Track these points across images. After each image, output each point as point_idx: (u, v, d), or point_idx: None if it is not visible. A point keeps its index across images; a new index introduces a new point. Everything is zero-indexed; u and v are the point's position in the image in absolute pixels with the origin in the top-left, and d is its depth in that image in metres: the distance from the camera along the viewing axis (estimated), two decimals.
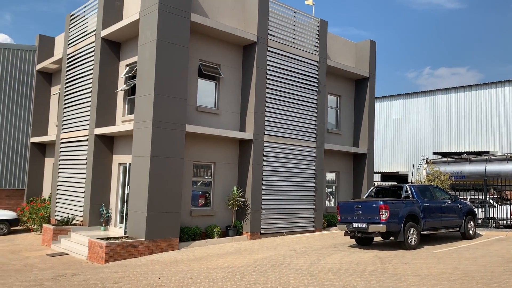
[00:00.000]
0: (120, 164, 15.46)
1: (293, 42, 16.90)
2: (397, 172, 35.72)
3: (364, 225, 12.51)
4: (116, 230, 14.87)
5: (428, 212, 13.33)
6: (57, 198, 17.67)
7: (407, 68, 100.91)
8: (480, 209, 19.18)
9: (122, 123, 15.35)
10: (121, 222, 14.89)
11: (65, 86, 18.13)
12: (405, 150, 36.29)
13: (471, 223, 14.86)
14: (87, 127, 15.92)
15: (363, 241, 13.70)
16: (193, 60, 14.50)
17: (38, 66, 21.13)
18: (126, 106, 15.72)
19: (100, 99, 15.52)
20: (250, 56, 15.63)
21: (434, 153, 31.72)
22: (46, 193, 20.49)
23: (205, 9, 14.63)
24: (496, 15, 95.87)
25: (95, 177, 15.26)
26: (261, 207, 15.34)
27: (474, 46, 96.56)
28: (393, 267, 10.15)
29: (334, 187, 19.78)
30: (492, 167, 24.23)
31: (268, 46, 15.83)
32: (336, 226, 17.67)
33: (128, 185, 14.17)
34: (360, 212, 12.67)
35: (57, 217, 17.17)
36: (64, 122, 17.85)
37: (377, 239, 14.84)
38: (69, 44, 18.28)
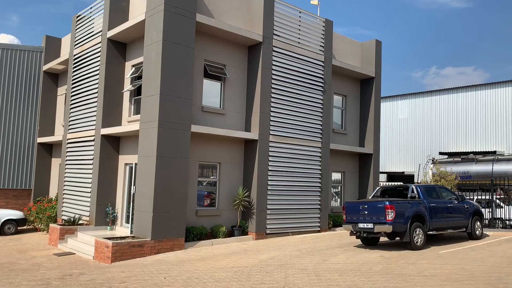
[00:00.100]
0: (126, 164, 15.53)
1: (299, 42, 16.89)
2: (403, 172, 35.57)
3: (370, 225, 12.48)
4: (122, 230, 14.93)
5: (434, 212, 13.27)
6: (63, 198, 17.78)
7: (413, 68, 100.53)
8: (487, 209, 19.06)
9: (128, 123, 15.41)
10: (127, 222, 14.95)
11: (71, 86, 18.24)
12: (411, 150, 36.14)
13: (478, 223, 14.78)
14: (94, 127, 16.01)
15: (369, 241, 13.66)
16: (198, 61, 14.53)
17: (45, 67, 21.27)
18: (132, 106, 15.79)
19: (106, 99, 15.60)
20: (255, 56, 15.64)
21: (440, 153, 31.56)
22: (52, 193, 20.62)
23: (210, 10, 14.66)
24: (503, 14, 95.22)
25: (101, 177, 15.34)
26: (266, 207, 15.34)
27: (480, 45, 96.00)
28: (399, 267, 10.12)
29: (339, 187, 19.74)
30: (499, 167, 24.07)
31: (273, 46, 15.84)
32: (341, 226, 17.64)
33: (134, 185, 14.23)
34: (366, 212, 12.64)
35: (63, 217, 17.28)
36: (71, 123, 17.95)
37: (383, 239, 14.80)
38: (75, 45, 18.38)
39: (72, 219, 15.48)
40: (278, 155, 15.92)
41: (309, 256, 11.73)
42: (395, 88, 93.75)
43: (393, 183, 29.76)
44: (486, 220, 18.44)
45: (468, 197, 20.08)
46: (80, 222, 15.73)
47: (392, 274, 9.41)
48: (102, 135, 15.43)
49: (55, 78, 21.76)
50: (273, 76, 15.82)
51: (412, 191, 13.50)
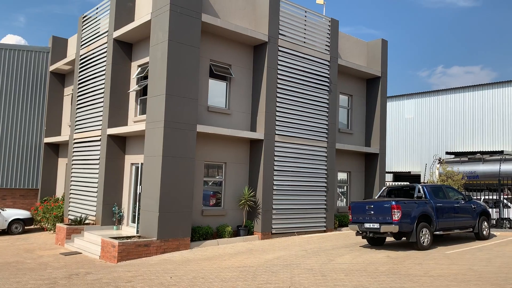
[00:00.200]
0: (132, 164, 15.58)
1: (304, 42, 16.86)
2: (409, 172, 35.41)
3: (376, 225, 12.44)
4: (128, 229, 14.99)
5: (441, 212, 13.20)
6: (70, 197, 17.87)
7: (419, 67, 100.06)
8: (494, 209, 18.93)
9: (134, 123, 15.46)
10: (133, 221, 15.01)
11: (78, 86, 18.33)
12: (417, 150, 35.97)
13: (485, 223, 14.68)
14: (100, 127, 16.07)
15: (375, 241, 13.62)
16: (204, 61, 14.55)
17: (51, 67, 21.40)
18: (138, 106, 15.84)
19: (112, 99, 15.66)
20: (261, 56, 15.63)
21: (447, 153, 31.38)
22: (59, 193, 20.74)
23: (216, 10, 14.67)
24: (510, 13, 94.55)
25: (107, 177, 15.40)
26: (272, 207, 15.33)
27: (487, 44, 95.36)
28: (405, 267, 10.07)
29: (345, 187, 19.69)
30: (507, 167, 23.88)
31: (279, 46, 15.82)
32: (347, 226, 17.59)
33: (140, 184, 14.27)
34: (372, 212, 12.60)
35: (70, 217, 17.37)
36: (77, 123, 18.04)
37: (389, 239, 14.74)
38: (81, 45, 18.47)
39: (78, 219, 15.55)
40: (283, 155, 15.90)
41: (315, 256, 11.71)
42: (401, 87, 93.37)
43: (399, 183, 29.64)
44: (494, 220, 18.31)
45: (475, 197, 19.96)
46: (87, 221, 15.80)
47: (398, 274, 9.37)
48: (108, 135, 15.49)
49: (61, 78, 21.88)
50: (279, 76, 15.80)
51: (419, 191, 13.43)
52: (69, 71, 21.31)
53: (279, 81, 15.80)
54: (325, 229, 17.10)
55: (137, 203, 14.53)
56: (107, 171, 15.41)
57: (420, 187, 13.54)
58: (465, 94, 33.55)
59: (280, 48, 15.87)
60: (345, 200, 19.66)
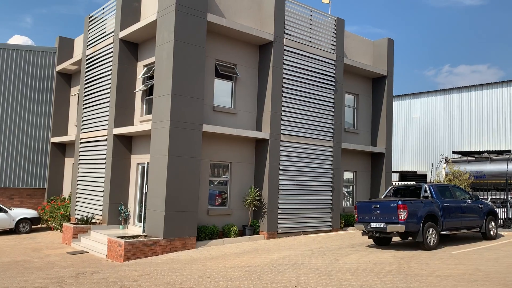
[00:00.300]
0: (138, 163, 15.63)
1: (310, 41, 16.83)
2: (416, 172, 35.25)
3: (382, 225, 12.39)
4: (134, 229, 15.04)
5: (448, 212, 13.13)
6: (77, 197, 17.97)
7: (425, 66, 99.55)
8: (501, 209, 18.81)
9: (140, 123, 15.51)
10: (140, 221, 15.06)
11: (84, 86, 18.42)
12: (424, 149, 35.79)
13: (492, 223, 14.59)
14: (106, 127, 16.14)
15: (381, 241, 13.57)
16: (209, 60, 14.57)
17: (58, 67, 21.52)
18: (144, 106, 15.89)
19: (118, 99, 15.72)
20: (266, 56, 15.62)
21: (454, 152, 31.19)
22: (66, 192, 20.86)
23: (221, 9, 14.68)
24: None
25: (114, 176, 15.47)
26: (277, 207, 15.32)
27: (495, 43, 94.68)
28: (411, 267, 10.03)
29: (351, 186, 19.64)
30: None
31: (284, 45, 15.80)
32: (353, 226, 17.57)
33: (146, 184, 14.32)
34: (378, 211, 12.56)
35: (77, 216, 17.46)
36: (84, 122, 18.13)
37: (395, 239, 14.68)
38: (88, 45, 18.56)
39: (85, 218, 15.63)
40: (289, 154, 15.88)
41: (320, 256, 11.69)
42: (407, 86, 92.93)
43: (405, 183, 29.50)
44: (501, 220, 18.20)
45: (482, 197, 19.83)
46: (93, 221, 15.88)
47: (404, 274, 9.33)
48: (114, 134, 15.56)
49: (68, 78, 22.00)
50: (284, 75, 15.79)
51: (425, 191, 13.37)
52: (75, 71, 21.42)
53: (284, 80, 15.78)
54: (331, 228, 17.07)
55: (143, 202, 14.58)
56: (114, 171, 15.48)
57: (427, 186, 13.47)
58: (472, 93, 33.34)
59: (285, 48, 15.86)
60: (351, 199, 19.61)
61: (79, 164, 18.16)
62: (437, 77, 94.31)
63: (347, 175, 19.44)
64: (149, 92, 15.77)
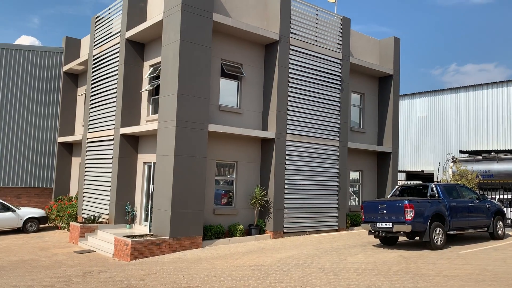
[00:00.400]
0: (145, 163, 15.69)
1: (316, 40, 16.80)
2: (422, 171, 35.09)
3: (389, 225, 12.35)
4: (141, 228, 15.10)
5: (455, 211, 13.06)
6: (83, 196, 18.07)
7: (432, 65, 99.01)
8: (509, 208, 18.67)
9: (147, 123, 15.57)
10: (146, 220, 15.11)
11: (91, 86, 18.51)
12: (430, 149, 35.61)
13: (500, 223, 14.50)
14: (113, 127, 16.21)
15: (388, 240, 13.53)
16: (215, 60, 14.58)
17: (65, 68, 21.64)
18: (150, 106, 15.94)
19: (125, 99, 15.79)
20: (272, 55, 15.62)
21: (461, 152, 31.01)
22: (73, 192, 20.98)
23: (227, 9, 14.69)
24: None
25: (120, 176, 15.54)
26: (283, 206, 15.32)
27: (502, 42, 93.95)
28: (418, 267, 9.99)
29: (357, 186, 19.58)
30: None
31: (290, 44, 15.78)
32: (360, 225, 17.50)
33: (152, 183, 14.37)
34: (385, 211, 12.52)
35: (84, 215, 17.56)
36: (90, 122, 18.22)
37: (402, 238, 14.63)
38: (94, 45, 18.65)
39: (92, 217, 15.71)
40: (295, 154, 15.87)
41: (326, 255, 11.67)
42: (414, 85, 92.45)
43: (412, 182, 29.38)
44: (509, 220, 18.07)
45: (490, 196, 19.69)
46: (100, 220, 15.96)
47: (411, 274, 9.30)
48: (121, 134, 15.62)
49: (75, 78, 22.12)
50: (290, 75, 15.77)
51: (432, 190, 13.31)
52: (82, 71, 21.53)
53: (290, 80, 15.77)
54: (337, 228, 17.03)
55: (150, 202, 14.63)
56: (120, 170, 15.55)
57: (434, 186, 13.41)
58: (479, 92, 33.12)
59: (291, 47, 15.84)
60: (357, 199, 19.56)
61: (86, 163, 18.26)
62: (444, 76, 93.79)
63: (353, 175, 19.39)
64: (155, 92, 15.82)
